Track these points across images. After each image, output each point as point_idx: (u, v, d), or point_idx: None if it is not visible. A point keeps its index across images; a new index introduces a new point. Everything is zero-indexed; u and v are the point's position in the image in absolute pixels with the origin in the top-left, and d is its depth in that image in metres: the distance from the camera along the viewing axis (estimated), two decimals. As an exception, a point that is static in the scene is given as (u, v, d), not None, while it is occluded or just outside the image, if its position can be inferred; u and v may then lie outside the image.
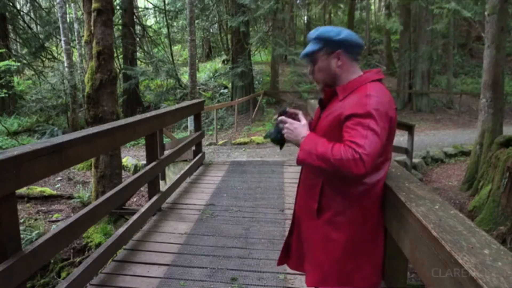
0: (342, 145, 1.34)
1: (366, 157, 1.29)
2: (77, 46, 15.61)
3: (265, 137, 1.70)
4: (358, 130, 1.34)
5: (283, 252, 1.82)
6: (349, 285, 1.54)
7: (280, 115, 1.64)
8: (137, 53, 16.63)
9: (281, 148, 1.70)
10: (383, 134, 1.36)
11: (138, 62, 16.76)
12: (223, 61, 19.60)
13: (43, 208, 6.75)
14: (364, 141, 1.31)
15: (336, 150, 1.33)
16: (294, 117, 1.67)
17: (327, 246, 1.55)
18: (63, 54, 14.05)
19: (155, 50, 18.10)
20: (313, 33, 1.56)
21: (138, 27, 17.10)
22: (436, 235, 1.09)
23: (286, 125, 1.56)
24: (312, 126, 1.66)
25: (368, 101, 1.37)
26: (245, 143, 10.41)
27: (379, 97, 1.39)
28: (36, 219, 6.28)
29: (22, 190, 6.77)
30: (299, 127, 1.53)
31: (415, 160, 8.05)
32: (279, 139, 1.61)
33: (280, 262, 1.83)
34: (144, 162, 4.91)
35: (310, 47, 1.55)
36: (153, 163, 3.59)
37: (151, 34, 18.12)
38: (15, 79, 16.62)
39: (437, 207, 1.31)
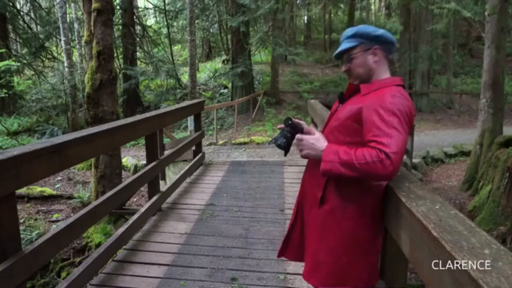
0: (365, 148, 1.35)
1: (394, 155, 1.29)
2: (77, 46, 15.61)
3: (269, 143, 1.71)
4: (382, 128, 1.34)
5: (284, 244, 1.82)
6: (341, 279, 1.55)
7: (285, 123, 1.65)
8: (137, 53, 16.63)
9: (286, 154, 1.71)
10: (405, 134, 1.37)
11: (138, 62, 16.76)
12: (223, 61, 19.59)
13: (43, 208, 6.75)
14: (390, 140, 1.31)
15: (360, 154, 1.33)
16: (299, 126, 1.69)
17: (324, 236, 1.56)
18: (63, 54, 14.05)
19: (155, 50, 18.09)
20: (350, 31, 1.57)
21: (138, 27, 17.10)
22: (436, 235, 1.09)
23: (303, 142, 1.54)
24: (328, 119, 1.68)
25: (393, 100, 1.39)
26: (245, 143, 10.41)
27: (403, 99, 1.42)
28: (36, 219, 6.28)
29: (22, 190, 6.77)
30: (315, 141, 1.51)
31: (415, 160, 8.06)
32: (285, 145, 1.62)
33: (280, 254, 1.84)
34: (144, 162, 4.91)
35: (346, 44, 1.56)
36: (153, 163, 3.59)
37: (151, 34, 18.12)
38: (15, 79, 16.59)
39: (437, 207, 1.31)
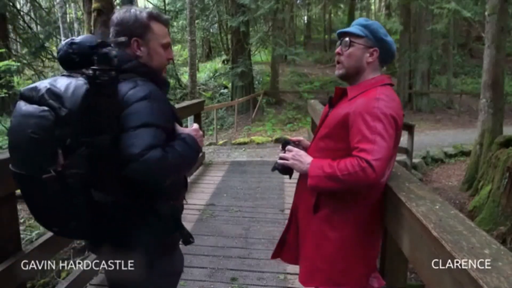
0: (348, 158, 1.34)
1: (376, 162, 1.27)
2: (77, 46, 15.58)
3: (272, 170, 1.68)
4: (366, 135, 1.32)
5: (278, 245, 1.81)
6: (339, 285, 1.54)
7: (283, 146, 1.64)
8: (137, 53, 16.60)
9: (290, 176, 1.69)
10: (391, 138, 1.34)
11: (138, 62, 16.75)
12: (223, 61, 19.58)
13: (43, 208, 6.74)
14: (372, 147, 1.29)
15: (342, 165, 1.33)
16: (297, 144, 1.68)
17: (321, 243, 1.54)
18: (63, 54, 14.03)
19: (155, 50, 18.08)
20: (364, 20, 1.54)
21: (138, 27, 17.09)
22: (436, 235, 1.09)
23: (292, 153, 1.54)
24: (318, 124, 1.66)
25: (377, 104, 1.36)
26: (245, 143, 10.40)
27: (388, 101, 1.39)
28: (36, 219, 6.27)
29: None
30: (304, 155, 1.52)
31: (415, 160, 8.05)
32: (287, 170, 1.61)
33: (275, 255, 1.83)
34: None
35: (355, 29, 1.51)
36: (153, 163, 3.58)
37: (151, 34, 18.12)
38: (15, 79, 16.54)
39: (437, 207, 1.31)
